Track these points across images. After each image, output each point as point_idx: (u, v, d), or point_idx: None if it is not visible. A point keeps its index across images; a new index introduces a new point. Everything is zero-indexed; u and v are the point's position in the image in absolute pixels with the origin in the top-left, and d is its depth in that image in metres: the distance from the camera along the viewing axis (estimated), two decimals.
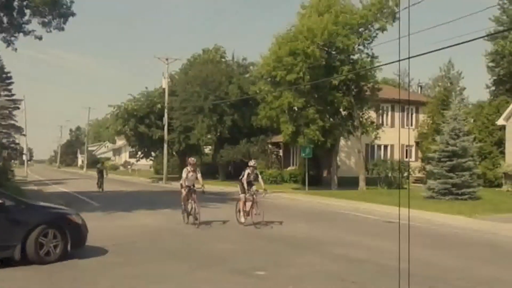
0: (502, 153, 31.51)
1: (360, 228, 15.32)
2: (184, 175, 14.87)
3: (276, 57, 29.28)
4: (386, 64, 48.35)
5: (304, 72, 28.42)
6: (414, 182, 34.25)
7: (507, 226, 14.97)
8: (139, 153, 51.44)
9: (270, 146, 41.97)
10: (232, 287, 8.11)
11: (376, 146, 37.33)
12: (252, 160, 16.02)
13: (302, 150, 30.98)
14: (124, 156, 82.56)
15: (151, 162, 60.95)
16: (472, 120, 34.27)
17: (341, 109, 31.60)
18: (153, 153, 51.90)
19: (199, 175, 14.88)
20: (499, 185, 30.18)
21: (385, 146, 37.98)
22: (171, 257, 10.34)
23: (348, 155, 37.07)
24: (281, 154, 42.34)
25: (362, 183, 30.77)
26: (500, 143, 32.12)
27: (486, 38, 39.07)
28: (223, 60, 46.24)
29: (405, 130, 38.78)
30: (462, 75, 56.99)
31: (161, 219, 16.89)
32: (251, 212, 14.75)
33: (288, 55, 28.66)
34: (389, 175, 33.19)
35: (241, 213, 15.05)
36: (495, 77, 40.87)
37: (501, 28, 36.62)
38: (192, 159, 15.30)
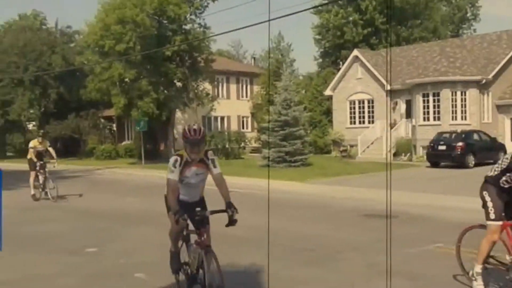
0: (330, 121, 33.60)
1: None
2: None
3: (104, 25, 27.66)
4: (217, 34, 48.35)
5: (134, 42, 27.29)
6: (251, 152, 34.98)
7: (332, 188, 16.17)
8: None
9: (102, 120, 39.74)
10: (60, 267, 7.15)
11: (212, 118, 37.31)
12: None
13: (136, 123, 29.70)
14: None
15: None
16: (303, 91, 35.87)
17: (175, 81, 30.95)
18: None
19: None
20: (329, 152, 32.15)
21: (222, 118, 38.17)
22: None
23: None
24: (114, 128, 40.35)
25: None
26: (328, 112, 34.20)
27: (312, 11, 41.00)
28: (43, 27, 42.11)
29: (240, 102, 39.35)
30: (291, 47, 59.66)
31: None
32: None
33: (117, 24, 27.24)
34: (227, 146, 33.44)
35: None
36: (321, 50, 43.05)
37: (325, 1, 38.55)
38: None
